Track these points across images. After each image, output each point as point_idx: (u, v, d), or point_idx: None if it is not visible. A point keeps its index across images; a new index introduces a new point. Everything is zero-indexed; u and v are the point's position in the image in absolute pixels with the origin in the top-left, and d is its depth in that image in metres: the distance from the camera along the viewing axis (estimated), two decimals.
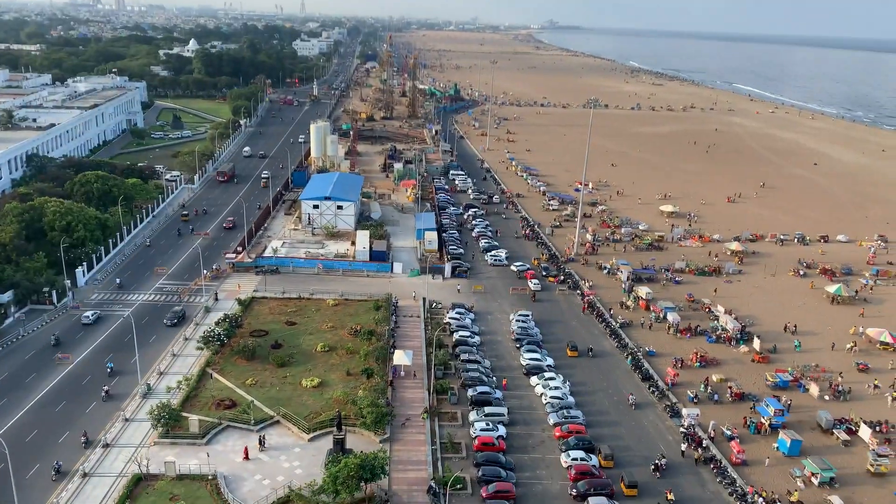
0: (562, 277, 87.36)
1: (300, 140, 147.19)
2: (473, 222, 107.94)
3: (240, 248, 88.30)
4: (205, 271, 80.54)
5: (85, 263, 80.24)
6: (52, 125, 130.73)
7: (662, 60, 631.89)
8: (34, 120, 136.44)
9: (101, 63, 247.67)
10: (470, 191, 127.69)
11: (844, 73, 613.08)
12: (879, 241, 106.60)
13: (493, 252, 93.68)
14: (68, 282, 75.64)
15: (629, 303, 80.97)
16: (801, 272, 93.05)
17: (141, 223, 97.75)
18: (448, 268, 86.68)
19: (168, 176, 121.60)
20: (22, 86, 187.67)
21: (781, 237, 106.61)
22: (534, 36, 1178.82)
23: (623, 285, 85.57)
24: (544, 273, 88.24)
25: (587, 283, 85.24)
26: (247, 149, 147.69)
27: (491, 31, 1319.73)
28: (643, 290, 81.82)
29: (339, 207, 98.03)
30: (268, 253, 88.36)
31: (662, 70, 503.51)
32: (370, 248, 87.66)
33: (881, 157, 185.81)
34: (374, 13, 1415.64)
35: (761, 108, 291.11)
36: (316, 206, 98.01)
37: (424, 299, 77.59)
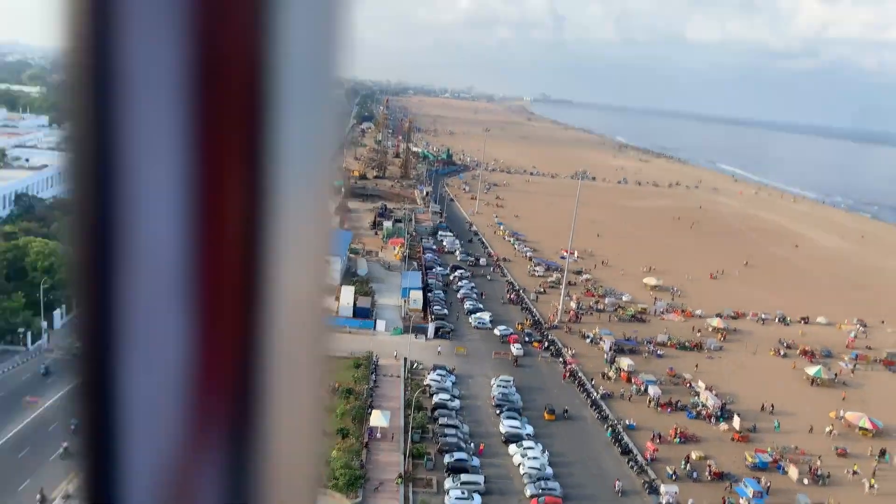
0: (546, 344, 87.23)
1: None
2: (459, 284, 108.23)
3: None
4: None
5: (64, 305, 79.21)
6: (45, 166, 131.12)
7: (649, 137, 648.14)
8: (27, 160, 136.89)
9: None
10: (457, 252, 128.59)
11: (824, 160, 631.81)
12: (859, 326, 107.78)
13: (477, 314, 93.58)
14: (45, 323, 74.46)
15: (611, 373, 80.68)
16: (782, 352, 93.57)
17: None
18: (431, 328, 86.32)
19: None
20: (18, 126, 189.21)
21: (763, 316, 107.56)
22: (526, 107, 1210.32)
23: (605, 355, 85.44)
24: (527, 339, 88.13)
25: (570, 352, 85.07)
26: None
27: (486, 100, 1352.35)
28: (625, 362, 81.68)
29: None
30: None
31: (649, 147, 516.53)
32: (354, 304, 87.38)
33: (860, 243, 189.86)
34: (374, 76, 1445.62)
35: (745, 188, 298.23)
36: None
37: (406, 359, 76.92)
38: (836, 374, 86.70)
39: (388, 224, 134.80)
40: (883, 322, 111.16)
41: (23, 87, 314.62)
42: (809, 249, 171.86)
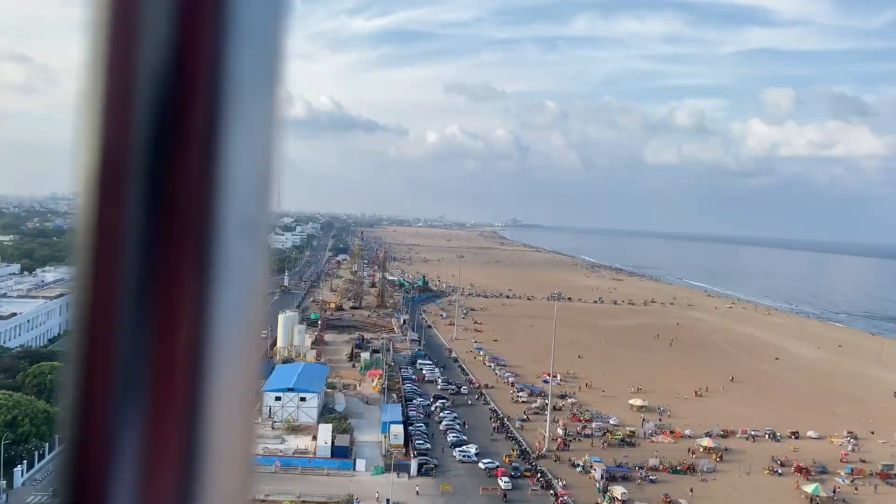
0: (538, 476, 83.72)
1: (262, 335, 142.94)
2: (441, 414, 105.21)
3: None
4: None
5: (25, 461, 74.78)
6: (14, 314, 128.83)
7: (620, 257, 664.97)
8: None
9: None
10: (438, 381, 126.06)
11: (789, 271, 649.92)
12: (850, 438, 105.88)
13: (461, 447, 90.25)
14: (3, 482, 69.82)
15: None
16: (777, 470, 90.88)
17: None
18: (414, 465, 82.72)
19: None
20: None
21: (752, 433, 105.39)
22: (498, 232, 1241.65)
23: (597, 484, 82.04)
24: (513, 473, 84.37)
25: (560, 483, 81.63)
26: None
27: (458, 227, 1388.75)
28: (618, 490, 78.39)
29: (303, 399, 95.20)
30: None
31: (621, 266, 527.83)
32: (332, 443, 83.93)
33: (838, 353, 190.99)
34: (348, 210, 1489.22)
35: (719, 303, 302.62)
36: (278, 398, 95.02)
37: (388, 500, 72.98)
38: (834, 491, 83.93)
39: (365, 355, 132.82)
40: (873, 433, 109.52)
41: None
42: (790, 361, 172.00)
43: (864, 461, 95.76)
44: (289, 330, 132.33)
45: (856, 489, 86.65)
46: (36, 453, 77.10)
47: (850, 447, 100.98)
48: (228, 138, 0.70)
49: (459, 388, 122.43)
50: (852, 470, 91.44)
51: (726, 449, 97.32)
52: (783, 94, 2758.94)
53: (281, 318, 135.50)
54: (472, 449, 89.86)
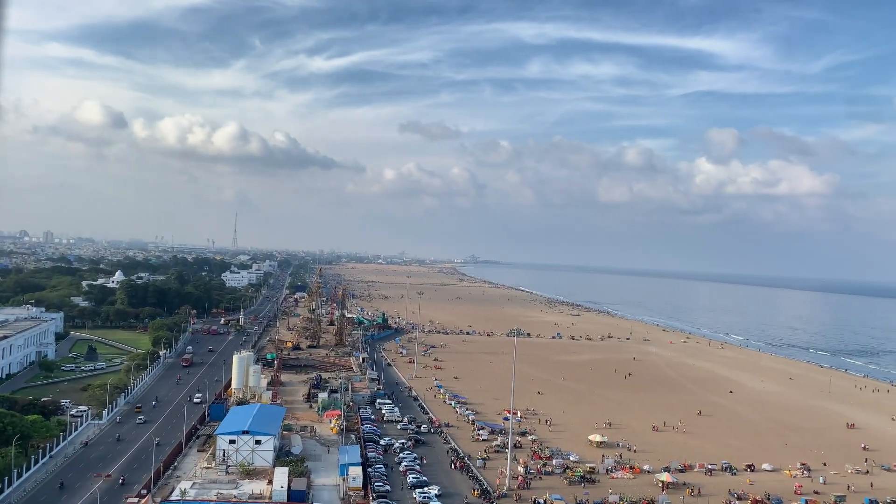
0: None
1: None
2: (401, 455, 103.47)
3: (144, 492, 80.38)
4: None
5: None
6: None
7: (576, 292, 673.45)
8: None
9: (20, 294, 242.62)
10: (397, 420, 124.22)
11: (739, 306, 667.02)
12: (803, 470, 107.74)
13: (422, 489, 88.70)
14: None
15: None
16: None
17: (35, 465, 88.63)
18: None
19: (74, 411, 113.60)
20: None
21: (709, 466, 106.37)
22: (458, 269, 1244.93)
23: None
24: None
25: None
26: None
27: (417, 264, 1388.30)
28: None
29: (258, 442, 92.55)
30: (175, 496, 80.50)
31: (578, 301, 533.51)
32: (289, 486, 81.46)
33: (790, 385, 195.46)
34: (306, 247, 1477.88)
35: (674, 337, 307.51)
36: (232, 442, 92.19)
37: None
38: None
39: (323, 395, 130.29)
40: (825, 464, 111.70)
41: None
42: (744, 395, 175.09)
43: (817, 493, 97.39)
44: (244, 370, 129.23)
45: None
46: None
47: (822, 479, 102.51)
48: None
49: (420, 427, 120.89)
50: (807, 502, 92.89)
51: (684, 484, 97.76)
52: (728, 135, 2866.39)
53: (236, 358, 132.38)
54: (434, 491, 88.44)
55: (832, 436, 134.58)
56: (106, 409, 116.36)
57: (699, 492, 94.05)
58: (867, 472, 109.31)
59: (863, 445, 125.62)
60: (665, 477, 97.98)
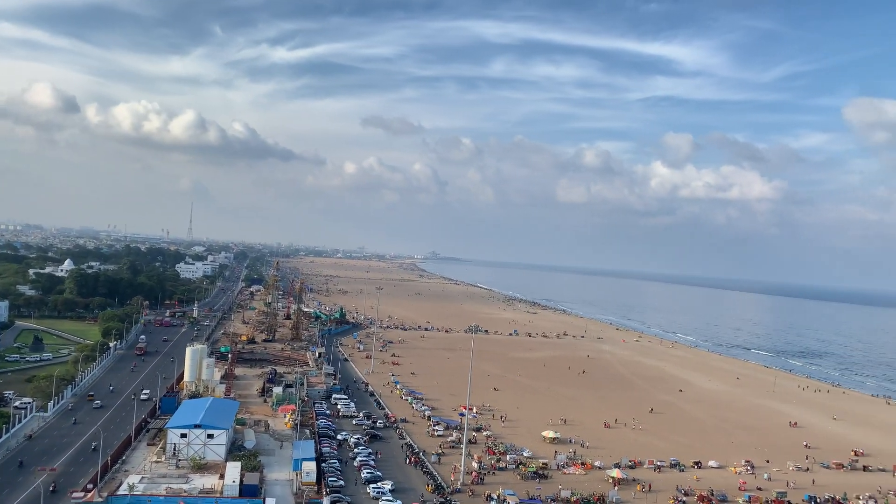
0: None
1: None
2: (356, 450, 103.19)
3: (90, 486, 78.45)
4: None
5: None
6: None
7: (533, 290, 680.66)
8: None
9: None
10: (353, 416, 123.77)
11: (691, 306, 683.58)
12: (747, 467, 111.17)
13: (376, 484, 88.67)
14: None
15: None
16: (680, 499, 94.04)
17: None
18: (327, 502, 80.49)
19: (17, 403, 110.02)
20: None
21: (658, 463, 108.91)
22: (418, 265, 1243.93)
23: None
24: None
25: None
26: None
27: (377, 259, 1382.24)
28: None
29: (210, 436, 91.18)
30: (123, 490, 78.83)
31: (535, 299, 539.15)
32: (241, 481, 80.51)
33: (736, 385, 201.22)
34: (263, 240, 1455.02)
35: (627, 336, 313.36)
36: (184, 435, 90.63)
37: None
38: None
39: (277, 390, 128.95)
40: (768, 461, 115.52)
41: None
42: (693, 393, 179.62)
43: (760, 489, 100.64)
44: (197, 363, 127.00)
45: None
46: None
47: (766, 476, 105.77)
48: None
49: (375, 422, 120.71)
50: (750, 498, 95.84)
51: (634, 480, 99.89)
52: (683, 139, 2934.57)
53: (189, 350, 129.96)
54: (387, 485, 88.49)
55: (776, 434, 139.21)
56: (52, 402, 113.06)
57: (649, 487, 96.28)
58: (808, 469, 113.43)
59: (805, 444, 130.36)
60: (615, 473, 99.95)
